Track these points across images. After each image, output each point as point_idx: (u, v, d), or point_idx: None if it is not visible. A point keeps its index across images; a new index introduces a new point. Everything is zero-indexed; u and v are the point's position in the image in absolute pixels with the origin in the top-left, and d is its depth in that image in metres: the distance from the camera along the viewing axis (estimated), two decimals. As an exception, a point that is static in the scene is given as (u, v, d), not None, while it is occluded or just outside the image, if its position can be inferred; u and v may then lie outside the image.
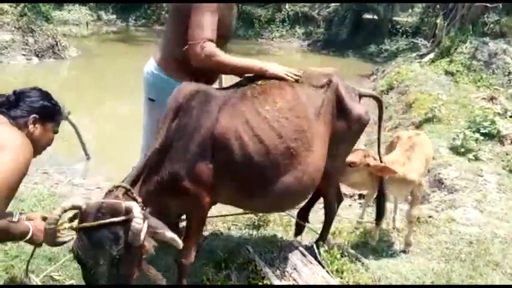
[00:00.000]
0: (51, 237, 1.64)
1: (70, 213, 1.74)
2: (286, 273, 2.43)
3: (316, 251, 2.66)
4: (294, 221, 3.75)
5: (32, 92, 1.91)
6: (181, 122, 1.94)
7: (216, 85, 2.62)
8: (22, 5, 11.84)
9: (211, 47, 2.12)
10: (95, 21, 19.03)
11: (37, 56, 11.41)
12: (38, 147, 1.88)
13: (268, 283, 2.32)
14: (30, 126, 1.83)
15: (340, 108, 2.34)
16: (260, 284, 2.32)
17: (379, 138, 2.84)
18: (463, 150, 5.19)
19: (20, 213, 1.81)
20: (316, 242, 2.81)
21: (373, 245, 3.13)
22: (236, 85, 2.22)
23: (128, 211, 1.58)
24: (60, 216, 1.60)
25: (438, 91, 8.06)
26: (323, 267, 2.52)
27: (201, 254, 2.56)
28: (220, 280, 2.33)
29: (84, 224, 1.57)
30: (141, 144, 2.54)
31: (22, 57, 11.22)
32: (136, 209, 1.58)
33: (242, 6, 20.89)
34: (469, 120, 6.23)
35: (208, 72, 2.38)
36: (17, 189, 1.67)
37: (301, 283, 2.35)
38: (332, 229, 3.35)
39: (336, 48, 18.47)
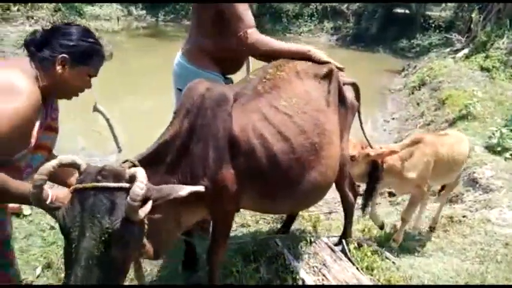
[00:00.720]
0: (36, 192, 1.33)
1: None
2: (315, 268, 2.40)
3: (346, 247, 2.63)
4: (323, 210, 3.75)
5: (69, 29, 1.67)
6: (196, 123, 1.81)
7: (242, 73, 2.62)
8: (56, -1, 12.22)
9: (257, 35, 2.17)
10: (125, 17, 19.39)
11: (70, 50, 11.74)
12: (68, 89, 1.70)
13: (297, 277, 2.30)
14: (58, 67, 1.61)
15: (341, 97, 2.32)
16: (289, 278, 2.31)
17: (361, 124, 2.73)
18: (499, 148, 5.00)
19: None
20: (343, 237, 2.77)
21: (395, 247, 3.06)
22: (244, 81, 2.15)
23: (132, 179, 1.34)
24: (54, 168, 1.32)
25: (473, 88, 7.80)
26: (353, 263, 2.49)
27: (230, 245, 2.57)
28: (249, 272, 2.33)
29: (81, 185, 1.33)
30: None
31: (56, 52, 11.57)
32: (141, 173, 1.35)
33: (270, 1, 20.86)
34: (505, 117, 6.00)
35: (233, 60, 2.41)
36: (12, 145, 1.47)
37: (330, 279, 2.32)
38: (361, 226, 3.32)
39: (365, 43, 18.12)
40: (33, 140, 1.58)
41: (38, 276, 2.33)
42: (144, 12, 20.01)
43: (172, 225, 1.81)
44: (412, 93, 10.01)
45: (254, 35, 2.17)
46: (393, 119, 8.88)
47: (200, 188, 1.49)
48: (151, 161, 1.68)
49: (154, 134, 2.61)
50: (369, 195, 2.98)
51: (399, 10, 19.28)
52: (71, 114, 5.27)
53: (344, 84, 2.45)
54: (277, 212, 2.62)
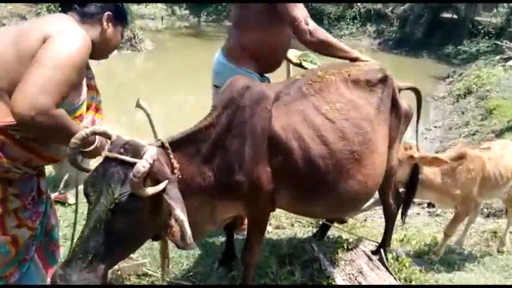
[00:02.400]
0: (72, 153, 1.44)
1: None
2: (351, 275, 2.36)
3: (384, 256, 2.57)
4: (358, 217, 3.69)
5: None
6: (234, 119, 1.79)
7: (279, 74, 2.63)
8: (106, -1, 12.69)
9: (315, 24, 2.16)
10: (169, 16, 19.91)
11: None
12: (107, 47, 1.73)
13: (333, 283, 2.27)
14: (105, 24, 1.65)
15: (394, 105, 2.25)
16: (324, 283, 2.28)
17: (417, 131, 2.69)
18: (550, 163, 4.74)
19: None
20: (381, 247, 2.70)
21: (435, 260, 2.96)
22: (289, 82, 2.12)
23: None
24: (87, 134, 1.44)
25: (524, 98, 7.46)
26: (390, 273, 2.42)
27: (266, 246, 2.58)
28: (283, 274, 2.33)
29: (105, 153, 1.45)
30: None
31: (103, 48, 12.04)
32: (149, 152, 1.39)
33: (311, 3, 20.73)
34: (558, 130, 5.69)
35: (272, 58, 2.41)
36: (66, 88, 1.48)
37: (366, 288, 2.28)
38: (400, 236, 3.24)
39: (409, 47, 17.69)
40: (84, 90, 1.63)
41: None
42: (187, 12, 20.47)
43: (206, 216, 1.83)
44: (457, 101, 9.69)
45: (313, 23, 2.17)
46: (436, 127, 8.62)
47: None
48: (182, 146, 1.69)
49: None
50: (406, 203, 2.88)
51: (446, 15, 18.67)
52: (113, 108, 5.47)
53: (401, 89, 2.40)
54: (311, 215, 2.58)
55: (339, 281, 2.29)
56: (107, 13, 1.65)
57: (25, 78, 1.39)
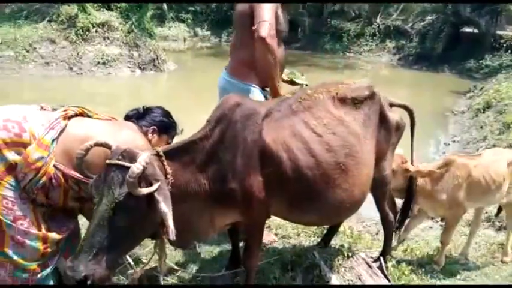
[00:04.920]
0: (78, 163, 1.76)
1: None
2: (350, 281, 2.49)
3: (383, 264, 2.68)
4: (370, 230, 3.79)
5: (156, 109, 2.34)
6: (225, 133, 1.97)
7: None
8: (130, 22, 13.26)
9: (268, 27, 2.34)
10: (191, 37, 20.51)
11: (140, 68, 12.68)
12: None
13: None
14: (150, 135, 2.22)
15: (382, 119, 2.40)
16: (323, 288, 2.42)
17: (412, 147, 2.81)
18: None
19: None
20: (382, 255, 2.81)
21: (437, 270, 3.02)
22: (279, 99, 2.29)
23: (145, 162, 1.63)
24: (91, 146, 1.72)
25: (542, 112, 7.37)
26: (389, 280, 2.53)
27: (270, 254, 2.74)
28: (285, 280, 2.47)
29: (107, 161, 1.68)
30: None
31: (127, 69, 12.54)
32: (143, 157, 1.63)
33: (331, 20, 20.99)
34: None
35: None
36: None
37: (364, 293, 2.40)
38: (404, 247, 3.33)
39: (429, 63, 17.64)
40: None
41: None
42: (208, 33, 21.04)
43: (206, 222, 2.02)
44: (476, 115, 9.61)
45: (267, 29, 2.33)
46: (454, 141, 8.57)
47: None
48: (177, 155, 1.92)
49: None
50: (403, 214, 2.98)
51: (467, 29, 18.57)
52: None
53: (393, 105, 2.56)
54: (305, 223, 2.70)
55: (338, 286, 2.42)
56: (152, 128, 2.23)
57: None
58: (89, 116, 2.12)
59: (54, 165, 1.85)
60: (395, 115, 2.51)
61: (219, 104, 2.09)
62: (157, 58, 13.09)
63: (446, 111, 10.58)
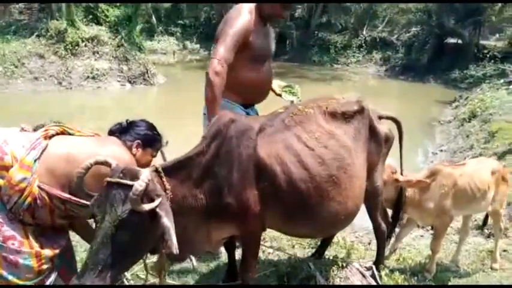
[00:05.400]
0: (78, 182, 1.76)
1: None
2: (345, 291, 2.55)
3: (376, 273, 2.74)
4: (363, 240, 3.85)
5: (140, 122, 2.31)
6: (220, 149, 2.03)
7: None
8: (119, 36, 13.31)
9: (219, 65, 2.41)
10: (180, 50, 20.60)
11: (130, 82, 12.71)
12: (139, 164, 2.19)
13: (327, 298, 2.46)
14: (134, 150, 2.20)
15: (371, 132, 2.49)
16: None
17: (401, 157, 2.91)
18: (548, 183, 4.85)
19: None
20: (375, 264, 2.88)
21: (429, 278, 3.10)
22: (272, 115, 2.36)
23: (146, 179, 1.67)
24: (91, 165, 1.73)
25: (526, 120, 7.59)
26: (382, 289, 2.60)
27: (267, 265, 2.79)
28: (282, 292, 2.52)
29: (108, 179, 1.71)
30: None
31: (117, 83, 12.56)
32: (145, 174, 1.68)
33: (318, 33, 21.31)
34: (558, 152, 5.80)
35: (249, 92, 2.66)
36: None
37: (359, 302, 2.45)
38: (396, 256, 3.40)
39: (415, 73, 17.99)
40: None
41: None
42: (197, 46, 21.14)
43: (203, 236, 2.06)
44: (462, 125, 9.82)
45: (212, 65, 2.41)
46: (441, 151, 8.73)
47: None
48: (174, 171, 1.96)
49: None
50: (392, 223, 3.05)
51: (451, 40, 19.02)
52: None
53: (381, 118, 2.65)
54: (300, 235, 2.73)
55: (333, 296, 2.48)
56: (136, 142, 2.21)
57: None
58: (70, 134, 2.13)
59: (38, 186, 1.87)
60: (384, 127, 2.60)
61: (214, 121, 2.15)
62: (147, 72, 13.14)
63: (433, 121, 10.79)
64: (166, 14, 21.09)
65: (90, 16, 13.89)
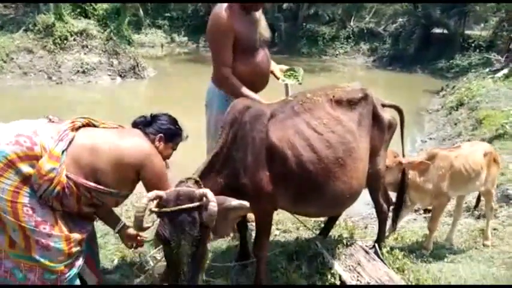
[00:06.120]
0: (139, 223, 1.87)
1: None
2: (351, 267, 2.70)
3: (379, 250, 2.91)
4: (359, 225, 4.03)
5: (163, 116, 2.40)
6: (237, 134, 2.20)
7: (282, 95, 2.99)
8: (108, 30, 13.23)
9: (223, 71, 2.65)
10: (168, 43, 20.50)
11: (120, 76, 12.66)
12: (161, 156, 2.33)
13: (335, 273, 2.61)
14: (156, 143, 2.28)
15: (375, 118, 2.65)
16: (328, 274, 2.62)
17: (402, 143, 3.09)
18: (534, 166, 5.09)
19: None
20: (376, 242, 3.04)
21: (426, 254, 3.28)
22: (283, 102, 2.51)
23: (202, 197, 1.83)
24: (147, 204, 1.82)
25: (511, 107, 7.83)
26: (385, 264, 2.76)
27: (275, 246, 2.94)
28: (292, 269, 2.66)
29: (167, 209, 1.82)
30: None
31: (107, 77, 12.50)
32: (211, 194, 1.83)
33: (306, 24, 21.42)
34: (542, 136, 6.05)
35: (247, 81, 2.74)
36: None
37: (365, 276, 2.60)
38: (395, 236, 3.58)
39: (402, 64, 18.25)
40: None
41: (116, 267, 2.78)
42: (186, 39, 21.06)
43: (220, 218, 2.19)
44: (450, 113, 10.07)
45: (223, 72, 2.67)
46: (430, 139, 8.95)
47: (245, 203, 1.94)
48: (207, 173, 2.14)
49: (195, 150, 3.08)
50: (398, 206, 3.23)
51: (437, 30, 19.31)
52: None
53: (385, 106, 2.80)
54: (309, 214, 2.87)
55: (340, 271, 2.63)
56: (159, 135, 2.29)
57: None
58: (95, 126, 2.24)
59: (66, 175, 1.97)
60: (387, 114, 2.75)
61: (230, 109, 2.31)
62: (137, 65, 13.09)
63: (421, 110, 11.03)
64: (153, 7, 20.92)
65: (78, 10, 13.74)
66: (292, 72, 3.11)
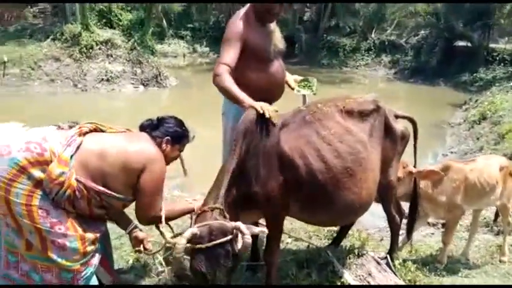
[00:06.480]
0: (179, 264, 1.91)
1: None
2: (361, 277, 2.70)
3: (390, 261, 2.89)
4: (375, 237, 4.00)
5: (169, 119, 2.41)
6: (249, 144, 2.21)
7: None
8: (132, 40, 13.60)
9: (219, 68, 2.53)
10: (190, 53, 20.85)
11: (143, 84, 12.98)
12: (167, 159, 2.37)
13: (345, 282, 2.61)
14: (163, 146, 2.30)
15: (387, 129, 2.65)
16: (338, 282, 2.63)
17: (415, 155, 3.07)
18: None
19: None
20: (389, 253, 3.03)
21: (440, 268, 3.24)
22: (295, 112, 2.52)
23: (233, 230, 1.89)
24: (185, 244, 1.84)
25: (535, 122, 7.67)
26: (396, 275, 2.74)
27: (287, 254, 2.96)
28: (302, 276, 2.68)
29: (203, 245, 1.87)
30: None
31: (131, 86, 12.83)
32: (243, 226, 1.88)
33: (327, 36, 21.45)
34: None
35: (260, 92, 2.66)
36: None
37: (375, 286, 2.61)
38: (409, 248, 3.55)
39: (424, 76, 18.05)
40: None
41: (130, 267, 2.86)
42: (207, 49, 21.38)
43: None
44: (472, 127, 9.91)
45: (219, 68, 2.52)
46: (452, 152, 8.82)
47: (263, 230, 2.04)
48: (228, 197, 2.16)
49: (214, 159, 3.13)
50: (411, 218, 3.20)
51: (461, 43, 19.03)
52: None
53: (398, 117, 2.81)
54: (319, 222, 2.86)
55: (350, 280, 2.63)
56: (165, 138, 2.33)
57: None
58: (102, 131, 2.30)
59: (76, 179, 2.03)
60: (400, 126, 2.76)
61: (242, 119, 2.33)
62: (160, 74, 13.40)
63: (443, 124, 10.88)
64: (176, 18, 21.36)
65: (104, 20, 14.20)
66: (306, 82, 3.14)
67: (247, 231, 1.87)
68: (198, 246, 1.86)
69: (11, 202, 1.91)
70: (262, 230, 2.01)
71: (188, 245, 1.86)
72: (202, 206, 2.16)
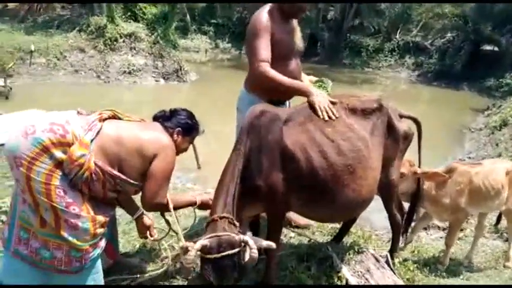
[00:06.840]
0: (188, 273, 2.21)
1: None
2: (359, 273, 2.74)
3: (390, 259, 2.92)
4: (383, 238, 4.02)
5: (181, 111, 2.55)
6: (253, 139, 2.29)
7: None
8: (156, 33, 13.81)
9: (263, 67, 2.62)
10: (212, 49, 21.00)
11: (164, 78, 13.17)
12: (178, 150, 2.47)
13: (343, 277, 2.67)
14: (175, 136, 2.44)
15: (390, 128, 2.68)
16: (335, 277, 2.68)
17: (419, 156, 3.08)
18: None
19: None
20: (389, 252, 3.05)
21: (441, 270, 3.24)
22: (299, 107, 2.59)
23: (241, 243, 1.95)
24: (195, 256, 1.93)
25: (557, 130, 7.48)
26: (394, 273, 2.78)
27: (288, 248, 3.02)
28: (301, 269, 2.74)
29: (212, 256, 1.94)
30: None
31: (152, 79, 13.04)
32: (251, 241, 1.95)
33: (350, 36, 21.28)
34: None
35: (274, 88, 2.77)
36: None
37: (372, 283, 2.64)
38: (411, 248, 3.56)
39: (448, 80, 17.70)
40: None
41: (136, 251, 2.98)
42: (229, 45, 21.49)
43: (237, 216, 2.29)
44: (493, 133, 9.72)
45: (263, 66, 2.64)
46: (469, 158, 8.68)
47: (272, 244, 2.08)
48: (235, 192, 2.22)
49: (228, 154, 3.20)
50: (409, 217, 3.21)
51: (487, 47, 18.59)
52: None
53: (402, 117, 2.84)
54: (320, 217, 2.89)
55: (348, 275, 2.68)
56: (177, 129, 2.47)
57: None
58: (120, 118, 2.42)
59: (94, 162, 2.15)
60: (403, 125, 2.78)
61: (247, 115, 2.42)
62: (181, 69, 13.57)
63: (464, 128, 10.70)
64: (200, 13, 21.56)
65: (129, 13, 14.43)
66: (321, 83, 3.19)
67: (255, 246, 1.94)
68: (208, 257, 1.95)
69: (31, 179, 2.03)
70: (270, 243, 2.05)
71: (198, 253, 1.95)
72: (211, 214, 2.20)
